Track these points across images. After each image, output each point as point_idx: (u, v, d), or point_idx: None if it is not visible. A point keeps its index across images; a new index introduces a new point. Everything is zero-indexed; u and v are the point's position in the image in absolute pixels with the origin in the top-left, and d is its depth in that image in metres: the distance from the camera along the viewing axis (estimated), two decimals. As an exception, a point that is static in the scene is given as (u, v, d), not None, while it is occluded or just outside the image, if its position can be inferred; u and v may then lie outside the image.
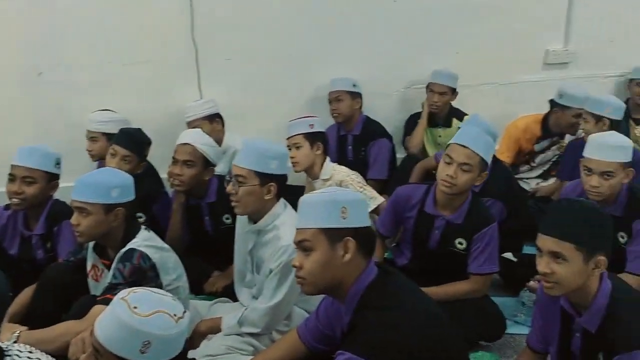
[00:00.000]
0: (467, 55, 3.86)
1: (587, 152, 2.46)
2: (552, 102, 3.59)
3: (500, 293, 2.73)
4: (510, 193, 2.97)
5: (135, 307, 1.33)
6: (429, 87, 3.71)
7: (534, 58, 4.06)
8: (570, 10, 3.99)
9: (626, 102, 4.00)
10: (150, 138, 2.99)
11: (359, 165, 3.54)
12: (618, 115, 3.13)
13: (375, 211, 2.89)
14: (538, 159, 3.73)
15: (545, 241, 1.68)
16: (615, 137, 2.46)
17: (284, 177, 2.25)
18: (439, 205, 2.44)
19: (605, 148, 2.40)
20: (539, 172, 3.77)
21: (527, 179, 3.76)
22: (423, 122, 3.73)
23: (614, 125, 3.00)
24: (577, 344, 1.78)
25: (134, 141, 2.87)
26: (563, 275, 1.66)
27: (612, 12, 4.00)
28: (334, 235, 1.61)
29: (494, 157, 2.75)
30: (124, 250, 2.03)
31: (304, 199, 1.68)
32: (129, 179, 2.12)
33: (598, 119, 3.12)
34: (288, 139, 2.93)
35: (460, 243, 2.41)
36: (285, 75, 3.70)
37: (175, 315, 1.36)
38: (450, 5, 3.81)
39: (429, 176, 3.26)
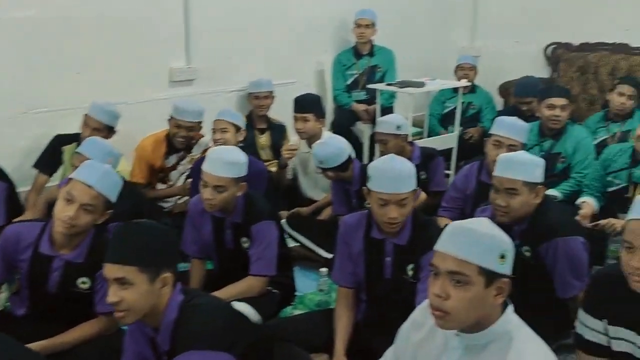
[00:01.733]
0: (89, 75, 3.69)
1: (203, 166, 2.56)
2: (171, 118, 3.68)
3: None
4: (141, 215, 2.93)
5: None
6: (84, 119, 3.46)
7: (160, 76, 4.10)
8: (188, 29, 4.14)
9: (249, 114, 4.37)
10: None
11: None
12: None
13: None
14: (173, 175, 3.79)
15: (110, 269, 1.65)
16: (230, 154, 2.56)
17: None
18: (57, 245, 2.20)
19: (218, 163, 2.51)
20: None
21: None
22: None
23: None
24: None
25: None
26: (132, 301, 1.65)
27: (227, 31, 4.29)
28: None
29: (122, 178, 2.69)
30: None
31: None
32: None
33: None
34: None
35: (83, 282, 2.21)
36: None
37: None
38: (69, 24, 3.59)
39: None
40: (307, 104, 3.71)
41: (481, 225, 1.49)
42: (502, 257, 1.47)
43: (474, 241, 1.45)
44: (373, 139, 4.64)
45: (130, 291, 1.63)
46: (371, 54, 4.92)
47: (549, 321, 2.42)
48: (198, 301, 1.77)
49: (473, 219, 1.57)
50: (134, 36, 3.87)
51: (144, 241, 1.67)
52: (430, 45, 5.60)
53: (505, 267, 1.48)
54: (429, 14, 5.59)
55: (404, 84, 4.45)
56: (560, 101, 3.65)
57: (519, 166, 2.41)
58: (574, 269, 2.40)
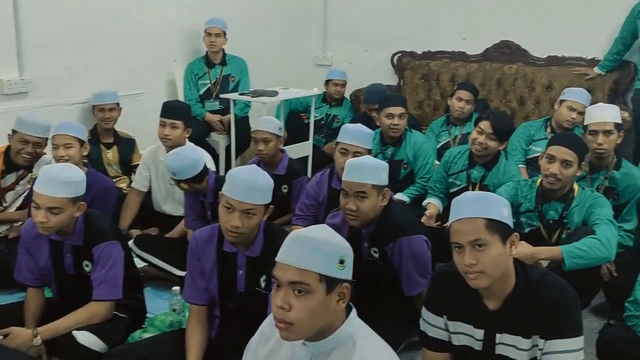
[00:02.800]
0: None
1: (35, 186, 2.34)
2: (15, 132, 3.38)
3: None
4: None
5: None
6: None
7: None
8: (20, 38, 3.81)
9: (94, 128, 4.11)
10: None
11: None
12: None
13: None
14: (9, 197, 3.46)
15: None
16: (64, 172, 2.35)
17: None
18: None
19: (52, 183, 2.29)
20: (13, 209, 3.49)
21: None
22: None
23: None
24: None
25: None
26: None
27: (66, 40, 4.02)
28: None
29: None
30: None
31: None
32: None
33: None
34: None
35: None
36: None
37: None
38: None
39: None
40: (178, 111, 3.54)
41: (319, 232, 1.49)
42: (341, 262, 1.48)
43: (313, 249, 1.44)
44: (229, 149, 4.60)
45: None
46: (223, 63, 4.85)
47: (400, 320, 2.52)
48: None
49: (311, 226, 1.57)
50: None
51: None
52: (284, 55, 5.66)
53: (345, 272, 1.49)
54: (281, 23, 5.64)
55: (258, 94, 4.45)
56: (397, 110, 3.81)
57: (366, 170, 2.48)
58: (418, 266, 2.51)
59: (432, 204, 3.56)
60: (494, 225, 1.77)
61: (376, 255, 2.58)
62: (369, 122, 4.53)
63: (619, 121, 3.29)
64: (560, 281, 1.91)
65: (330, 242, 1.47)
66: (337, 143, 3.16)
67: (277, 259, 1.48)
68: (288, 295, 1.44)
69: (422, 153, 3.86)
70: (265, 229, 2.26)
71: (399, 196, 3.75)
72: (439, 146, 4.29)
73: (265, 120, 3.61)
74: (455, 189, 3.50)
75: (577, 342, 1.83)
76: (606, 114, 3.25)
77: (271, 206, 2.24)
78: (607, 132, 3.19)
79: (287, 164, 3.61)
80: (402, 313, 2.54)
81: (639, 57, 4.38)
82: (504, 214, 1.82)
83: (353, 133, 3.13)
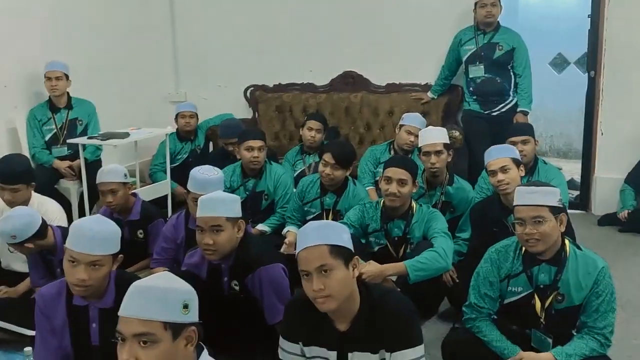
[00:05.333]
0: None
1: None
2: None
3: None
4: None
5: None
6: None
7: None
8: None
9: None
10: None
11: None
12: None
13: None
14: None
15: None
16: None
17: None
18: None
19: None
20: None
21: None
22: None
23: None
24: None
25: None
26: None
27: None
28: None
29: None
30: None
31: None
32: None
33: None
34: None
35: None
36: None
37: None
38: None
39: None
40: (15, 175, 3.25)
41: (159, 280, 1.52)
42: (185, 307, 1.52)
43: (154, 298, 1.47)
44: (82, 196, 4.42)
45: None
46: (69, 106, 4.66)
47: (264, 353, 2.57)
48: None
49: (150, 275, 1.60)
50: None
51: None
52: (135, 94, 5.57)
53: (190, 316, 1.53)
54: (130, 62, 5.54)
55: (107, 136, 4.34)
56: (257, 143, 3.93)
57: (219, 203, 2.54)
58: (278, 293, 2.60)
59: (291, 232, 3.68)
60: (337, 250, 1.91)
61: (237, 288, 2.63)
62: (227, 156, 4.60)
63: (447, 141, 3.64)
64: (400, 297, 2.08)
65: (172, 289, 1.51)
66: (189, 191, 3.14)
67: (119, 312, 1.49)
68: (134, 348, 1.46)
69: (282, 184, 3.99)
70: (116, 279, 2.23)
71: (261, 227, 3.84)
72: (295, 175, 4.44)
73: (109, 171, 3.47)
74: (311, 216, 3.65)
75: (419, 350, 2.00)
76: (435, 136, 3.58)
77: (120, 255, 2.22)
78: (437, 152, 3.52)
79: (140, 208, 3.55)
80: (266, 345, 2.60)
81: (465, 81, 4.85)
82: (345, 239, 1.96)
83: (202, 183, 3.06)
